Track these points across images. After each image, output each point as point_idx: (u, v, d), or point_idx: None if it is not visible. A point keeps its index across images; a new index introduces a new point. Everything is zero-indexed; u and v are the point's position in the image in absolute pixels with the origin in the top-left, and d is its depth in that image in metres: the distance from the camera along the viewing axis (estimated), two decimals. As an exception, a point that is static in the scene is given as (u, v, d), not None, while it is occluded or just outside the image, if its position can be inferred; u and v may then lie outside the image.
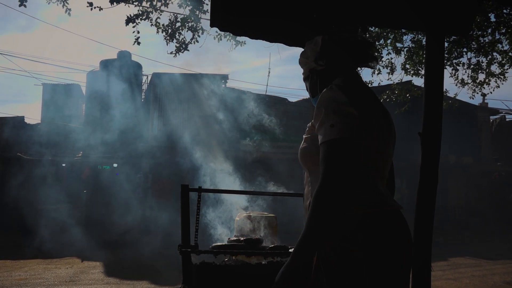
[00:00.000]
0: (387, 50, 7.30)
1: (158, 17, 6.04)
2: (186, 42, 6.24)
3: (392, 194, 1.67)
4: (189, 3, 5.66)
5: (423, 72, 4.67)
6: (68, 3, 5.49)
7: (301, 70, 1.74)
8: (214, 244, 2.68)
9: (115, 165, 13.48)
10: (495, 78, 7.81)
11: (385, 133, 1.48)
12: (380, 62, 7.34)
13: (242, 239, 2.70)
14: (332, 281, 1.38)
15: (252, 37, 2.04)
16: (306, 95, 23.23)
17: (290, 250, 2.66)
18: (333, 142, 1.34)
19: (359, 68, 1.77)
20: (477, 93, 8.17)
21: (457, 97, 9.01)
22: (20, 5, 5.18)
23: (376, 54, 1.70)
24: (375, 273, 1.33)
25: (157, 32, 6.19)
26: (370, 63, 1.65)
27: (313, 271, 1.36)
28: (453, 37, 6.30)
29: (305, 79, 1.72)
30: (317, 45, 1.63)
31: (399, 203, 1.51)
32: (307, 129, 1.58)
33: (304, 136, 1.58)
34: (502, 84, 7.94)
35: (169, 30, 6.17)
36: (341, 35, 1.65)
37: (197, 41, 6.21)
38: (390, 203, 1.46)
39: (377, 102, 1.51)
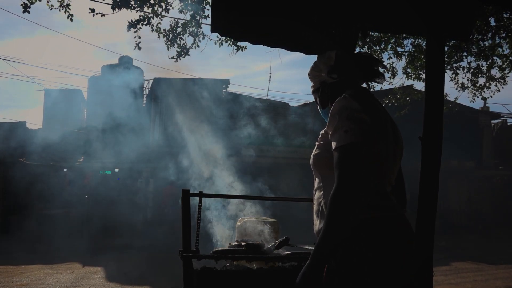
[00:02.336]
0: (388, 55, 7.32)
1: (159, 23, 6.07)
2: (187, 47, 6.26)
3: (404, 201, 1.71)
4: (190, 9, 5.70)
5: (424, 76, 4.67)
6: (70, 9, 5.53)
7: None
8: (215, 249, 2.67)
9: (116, 170, 13.50)
10: (495, 82, 7.82)
11: (393, 141, 1.53)
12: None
13: (243, 244, 2.69)
14: (333, 280, 1.41)
15: (252, 42, 2.04)
16: (307, 99, 23.29)
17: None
18: (348, 146, 1.39)
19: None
20: (478, 96, 8.20)
21: (459, 102, 9.05)
22: (24, 12, 5.22)
23: (383, 71, 1.76)
24: (375, 273, 1.37)
25: (158, 37, 6.22)
26: (377, 78, 1.72)
27: (326, 272, 1.39)
28: (452, 41, 6.32)
29: (314, 92, 1.79)
30: (330, 59, 1.71)
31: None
32: (320, 136, 1.63)
33: (316, 143, 1.63)
34: (503, 88, 7.97)
35: (170, 35, 6.20)
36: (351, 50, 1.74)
37: (198, 46, 6.24)
38: (395, 208, 1.51)
39: (386, 112, 1.58)
